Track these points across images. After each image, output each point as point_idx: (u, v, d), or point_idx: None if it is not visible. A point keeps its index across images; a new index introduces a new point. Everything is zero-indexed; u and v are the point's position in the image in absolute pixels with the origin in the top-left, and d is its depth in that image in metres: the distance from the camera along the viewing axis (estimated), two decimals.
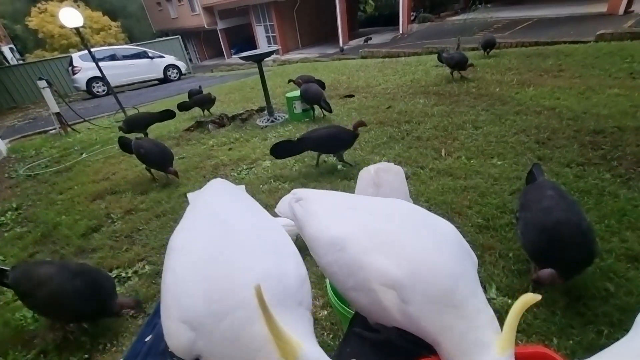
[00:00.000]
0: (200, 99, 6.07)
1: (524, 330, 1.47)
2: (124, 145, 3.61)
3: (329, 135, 3.13)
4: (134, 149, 3.41)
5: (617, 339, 1.42)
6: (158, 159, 3.39)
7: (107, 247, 2.64)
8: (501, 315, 1.73)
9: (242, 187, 0.85)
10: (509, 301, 1.61)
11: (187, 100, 6.27)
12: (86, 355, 1.74)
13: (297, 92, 5.07)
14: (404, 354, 0.60)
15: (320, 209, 0.68)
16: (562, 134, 3.11)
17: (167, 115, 5.06)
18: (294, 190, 0.80)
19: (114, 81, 10.21)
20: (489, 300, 1.85)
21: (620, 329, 1.39)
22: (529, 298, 0.45)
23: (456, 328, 0.48)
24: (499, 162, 2.83)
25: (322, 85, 5.65)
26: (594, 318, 1.47)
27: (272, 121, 5.09)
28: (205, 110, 6.16)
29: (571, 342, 1.40)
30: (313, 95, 4.59)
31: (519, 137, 3.20)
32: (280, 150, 3.24)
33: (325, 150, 3.29)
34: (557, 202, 1.53)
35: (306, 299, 0.55)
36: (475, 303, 0.50)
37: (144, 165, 3.58)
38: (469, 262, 0.55)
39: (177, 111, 5.53)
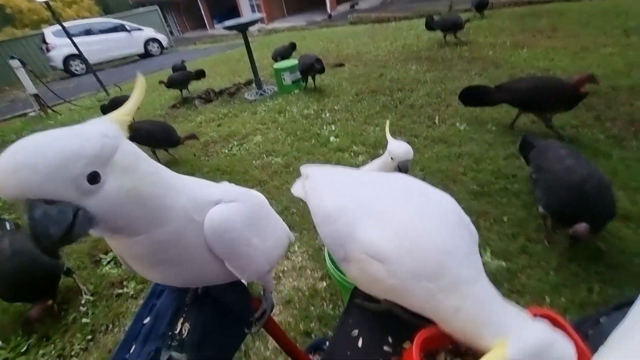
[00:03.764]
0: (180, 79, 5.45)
1: (519, 292, 1.51)
2: None
3: (539, 88, 2.38)
4: (133, 133, 3.27)
5: (608, 294, 1.45)
6: (162, 137, 3.20)
7: None
8: (495, 278, 1.74)
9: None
10: (504, 264, 1.65)
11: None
12: (89, 337, 1.76)
13: (285, 63, 4.89)
14: (406, 325, 0.60)
15: (321, 183, 0.69)
16: None
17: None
18: (302, 168, 0.80)
19: (92, 58, 9.70)
20: (483, 264, 1.87)
21: (612, 285, 1.43)
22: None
23: (446, 305, 0.46)
24: (493, 127, 2.80)
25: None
26: (586, 276, 1.51)
27: (261, 94, 4.94)
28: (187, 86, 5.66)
29: (563, 299, 1.44)
30: (307, 59, 4.40)
31: None
32: (471, 97, 2.83)
33: (529, 108, 2.54)
34: (576, 161, 1.56)
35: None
36: (468, 279, 0.46)
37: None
38: (467, 236, 0.52)
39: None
